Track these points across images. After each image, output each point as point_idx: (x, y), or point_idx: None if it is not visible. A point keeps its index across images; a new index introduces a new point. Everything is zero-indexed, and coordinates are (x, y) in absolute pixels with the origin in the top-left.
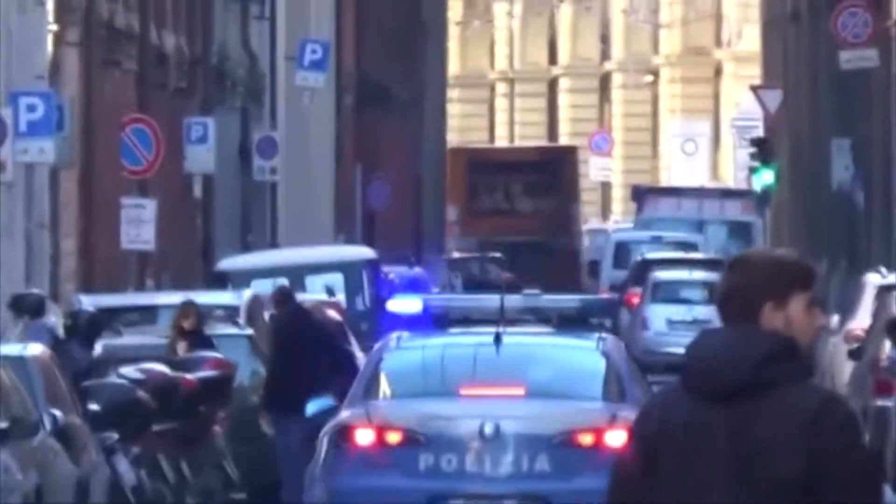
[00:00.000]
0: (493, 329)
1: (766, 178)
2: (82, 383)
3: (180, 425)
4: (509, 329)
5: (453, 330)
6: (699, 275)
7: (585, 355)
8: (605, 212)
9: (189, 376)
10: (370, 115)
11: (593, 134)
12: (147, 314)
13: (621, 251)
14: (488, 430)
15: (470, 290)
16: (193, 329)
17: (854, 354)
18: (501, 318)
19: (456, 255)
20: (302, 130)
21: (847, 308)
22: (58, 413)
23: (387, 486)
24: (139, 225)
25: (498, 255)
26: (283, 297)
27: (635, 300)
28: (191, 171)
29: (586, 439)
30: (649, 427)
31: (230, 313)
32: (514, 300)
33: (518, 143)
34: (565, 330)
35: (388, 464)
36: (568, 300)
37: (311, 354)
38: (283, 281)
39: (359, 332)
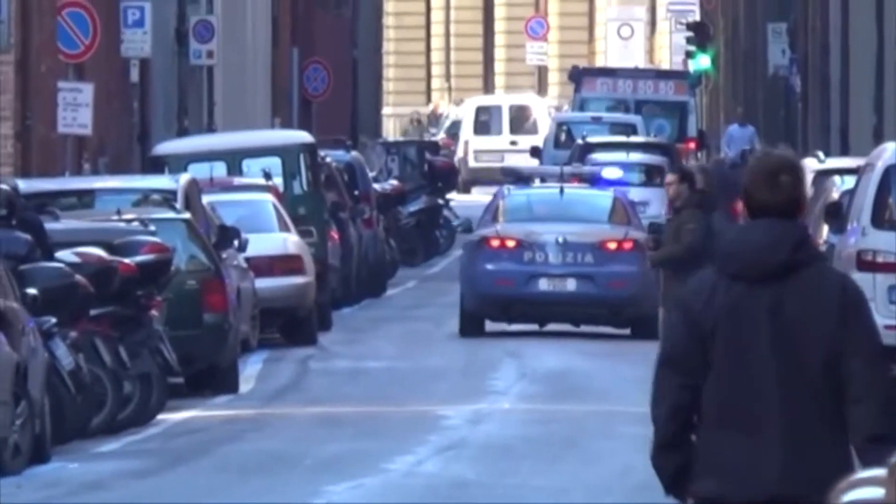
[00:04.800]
0: (557, 185)
1: (702, 62)
2: (20, 267)
3: (118, 309)
4: (566, 185)
5: (535, 185)
6: (636, 157)
7: (608, 200)
8: (542, 94)
9: (126, 260)
10: None
11: (529, 18)
12: (84, 198)
13: (562, 132)
14: (560, 240)
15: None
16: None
17: None
18: (561, 178)
19: (391, 139)
20: (238, 14)
21: None
22: None
23: (506, 269)
24: (76, 109)
25: (434, 139)
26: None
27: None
28: (127, 55)
29: (612, 245)
30: (694, 311)
31: (167, 197)
32: (567, 168)
33: (454, 27)
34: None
35: (507, 258)
36: (595, 168)
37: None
38: (221, 165)
39: (297, 215)
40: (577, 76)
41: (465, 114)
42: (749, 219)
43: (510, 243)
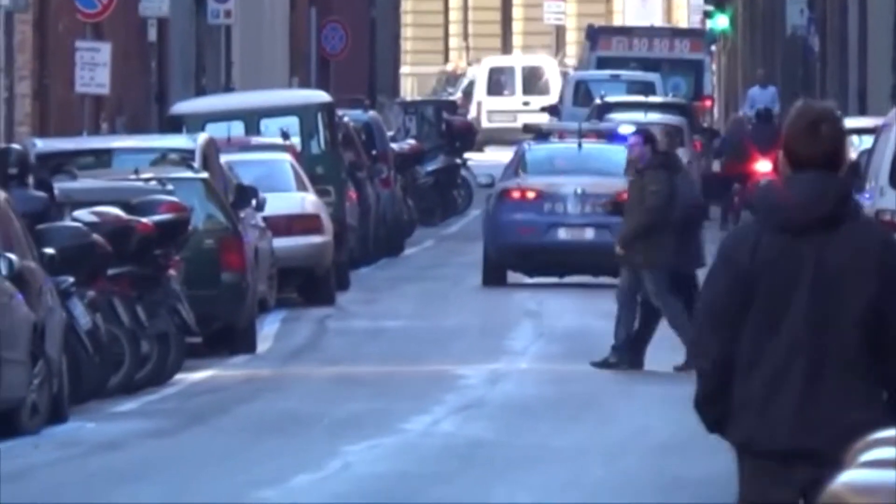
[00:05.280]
0: (575, 139)
1: (720, 22)
2: (37, 227)
3: (135, 269)
4: (584, 140)
5: (553, 139)
6: (654, 116)
7: (623, 154)
8: (559, 53)
9: (144, 219)
10: None
11: None
12: (102, 158)
13: (581, 90)
14: (578, 191)
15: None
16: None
17: None
18: (579, 133)
19: (409, 98)
20: None
21: None
22: (13, 257)
23: (527, 219)
24: (93, 68)
25: (452, 99)
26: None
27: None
28: (145, 15)
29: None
30: (739, 263)
31: (185, 157)
32: (585, 125)
33: None
34: (612, 140)
35: (527, 208)
36: (612, 124)
37: None
38: (238, 125)
39: (315, 175)
40: (593, 34)
41: (478, 75)
42: (791, 171)
43: (531, 194)
